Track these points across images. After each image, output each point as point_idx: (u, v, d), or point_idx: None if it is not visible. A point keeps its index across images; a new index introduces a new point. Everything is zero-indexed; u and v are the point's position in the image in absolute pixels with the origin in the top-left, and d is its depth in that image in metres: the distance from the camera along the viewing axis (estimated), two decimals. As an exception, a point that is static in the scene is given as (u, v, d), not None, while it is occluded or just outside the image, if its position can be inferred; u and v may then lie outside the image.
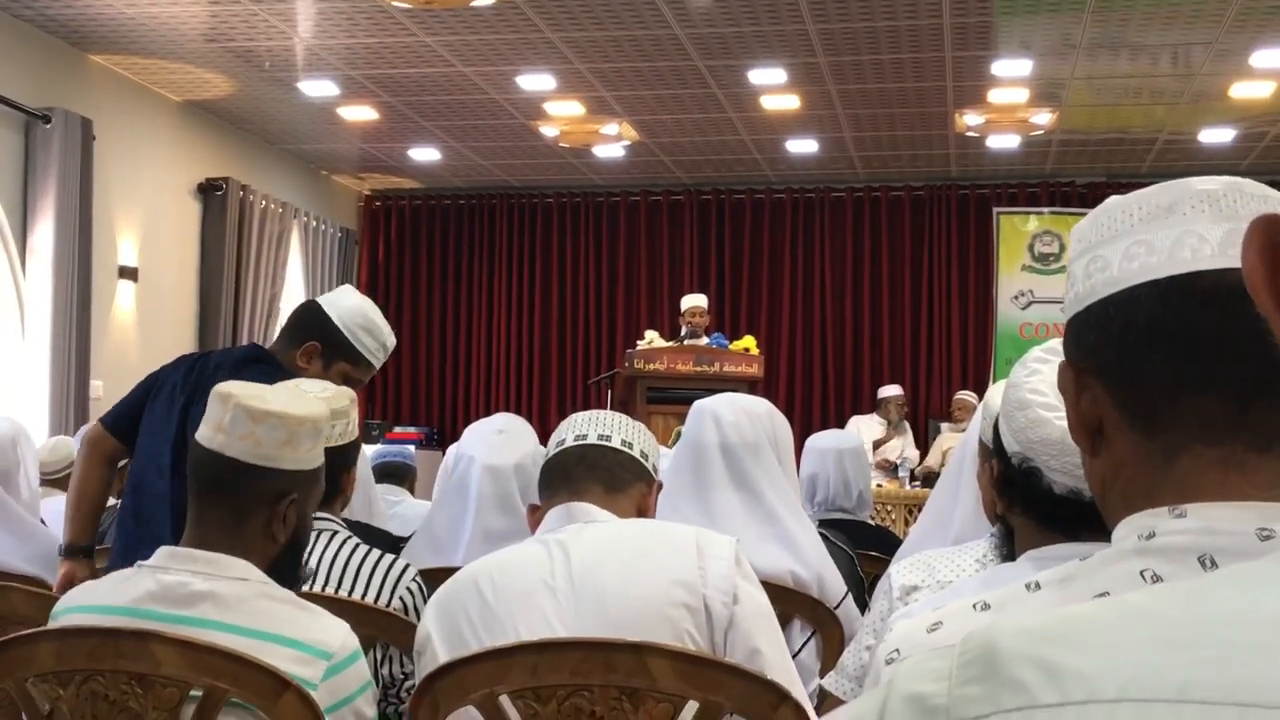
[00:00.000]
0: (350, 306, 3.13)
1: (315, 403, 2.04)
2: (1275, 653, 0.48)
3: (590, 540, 1.90)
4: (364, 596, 2.42)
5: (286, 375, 2.97)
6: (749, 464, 2.64)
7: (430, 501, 3.48)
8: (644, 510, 2.07)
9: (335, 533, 2.50)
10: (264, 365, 2.98)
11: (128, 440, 3.09)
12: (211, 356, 3.14)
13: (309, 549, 2.42)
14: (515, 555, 1.95)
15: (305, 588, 2.37)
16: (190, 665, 1.77)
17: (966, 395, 9.67)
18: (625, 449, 2.07)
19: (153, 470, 2.99)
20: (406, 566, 2.50)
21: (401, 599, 2.44)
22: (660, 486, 2.15)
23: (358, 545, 2.50)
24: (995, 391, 1.73)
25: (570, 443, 2.06)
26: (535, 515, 2.06)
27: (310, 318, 3.13)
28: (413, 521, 3.86)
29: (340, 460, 2.54)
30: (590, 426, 2.09)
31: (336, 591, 2.41)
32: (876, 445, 9.39)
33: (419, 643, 1.92)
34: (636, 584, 1.83)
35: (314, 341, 3.08)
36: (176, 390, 3.04)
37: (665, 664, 1.72)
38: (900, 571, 1.89)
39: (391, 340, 3.18)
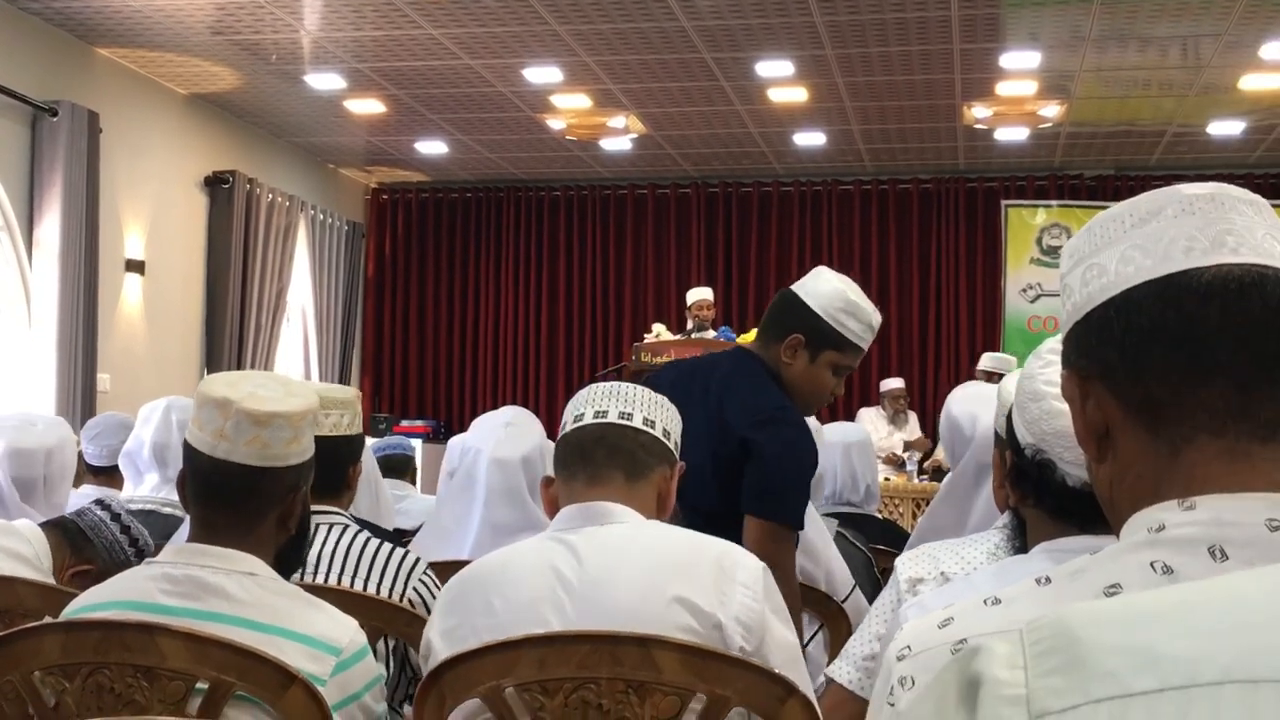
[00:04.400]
0: (828, 292, 2.93)
1: (305, 391, 1.99)
2: None
3: (603, 547, 1.84)
4: (377, 588, 2.40)
5: (775, 379, 2.90)
6: (757, 457, 2.62)
7: (435, 495, 3.47)
8: (665, 495, 1.98)
9: (346, 526, 2.48)
10: (754, 376, 2.89)
11: None
12: (701, 367, 3.03)
13: (320, 543, 2.41)
14: (524, 562, 1.88)
15: (312, 578, 2.36)
16: (196, 658, 1.77)
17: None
18: (647, 428, 1.97)
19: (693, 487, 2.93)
20: (417, 560, 2.47)
21: (416, 591, 2.42)
22: (684, 468, 2.05)
23: (369, 539, 2.47)
24: (1010, 380, 1.72)
25: (589, 419, 1.97)
26: (549, 490, 1.99)
27: (790, 309, 2.95)
28: (418, 516, 3.86)
29: (346, 453, 2.52)
30: (610, 402, 1.99)
31: (345, 583, 2.38)
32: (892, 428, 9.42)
33: (424, 650, 1.91)
34: (647, 602, 1.78)
35: (797, 334, 2.91)
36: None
37: (672, 657, 1.71)
38: (905, 563, 1.88)
39: (877, 319, 2.98)
